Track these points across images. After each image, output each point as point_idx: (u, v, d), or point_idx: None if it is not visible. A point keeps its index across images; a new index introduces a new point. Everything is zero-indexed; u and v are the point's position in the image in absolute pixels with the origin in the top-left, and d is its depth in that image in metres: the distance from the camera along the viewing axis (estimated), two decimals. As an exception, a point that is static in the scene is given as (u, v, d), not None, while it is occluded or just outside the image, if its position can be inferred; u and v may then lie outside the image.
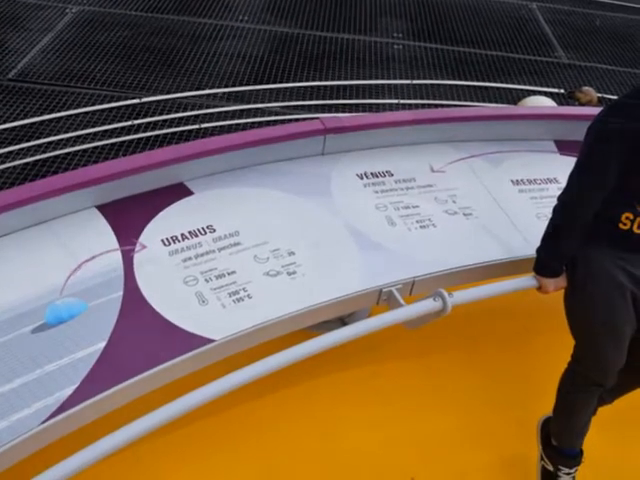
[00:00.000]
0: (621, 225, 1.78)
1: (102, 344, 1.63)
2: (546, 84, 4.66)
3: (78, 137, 3.54)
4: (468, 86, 4.50)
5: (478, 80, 4.59)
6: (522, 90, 4.53)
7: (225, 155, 2.13)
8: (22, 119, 3.63)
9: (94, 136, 3.57)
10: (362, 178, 2.34)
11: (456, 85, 4.48)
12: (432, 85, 4.43)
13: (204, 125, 3.67)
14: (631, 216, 1.77)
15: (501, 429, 2.21)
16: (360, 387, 2.28)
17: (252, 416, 2.13)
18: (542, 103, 4.10)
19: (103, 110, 3.79)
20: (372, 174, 2.36)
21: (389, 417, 2.20)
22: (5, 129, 3.55)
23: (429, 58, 4.81)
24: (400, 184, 2.35)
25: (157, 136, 3.58)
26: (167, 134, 3.61)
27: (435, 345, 2.41)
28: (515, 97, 4.43)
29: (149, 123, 3.69)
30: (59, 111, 3.74)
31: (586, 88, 4.53)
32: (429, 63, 4.74)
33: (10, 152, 3.38)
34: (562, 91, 4.60)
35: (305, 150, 2.33)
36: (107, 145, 3.49)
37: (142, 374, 1.58)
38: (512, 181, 2.49)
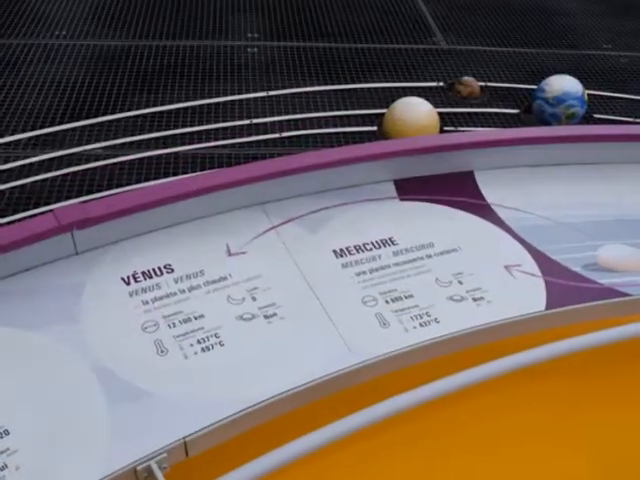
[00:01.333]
0: None
1: None
2: (424, 78, 4.13)
3: None
4: (335, 91, 3.93)
5: (347, 82, 4.03)
6: (397, 88, 3.99)
7: None
8: None
9: None
10: (128, 283, 1.75)
11: (320, 91, 3.90)
12: (292, 95, 3.84)
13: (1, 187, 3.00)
14: None
15: None
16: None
17: None
18: (416, 108, 3.57)
19: None
20: (144, 274, 1.78)
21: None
22: None
23: (289, 60, 4.18)
24: (181, 284, 1.77)
25: None
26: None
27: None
28: (389, 97, 3.89)
29: None
30: None
31: (467, 78, 4.02)
32: (289, 66, 4.13)
33: None
34: (441, 84, 4.09)
35: (48, 254, 1.74)
36: None
37: None
38: (335, 252, 1.94)
